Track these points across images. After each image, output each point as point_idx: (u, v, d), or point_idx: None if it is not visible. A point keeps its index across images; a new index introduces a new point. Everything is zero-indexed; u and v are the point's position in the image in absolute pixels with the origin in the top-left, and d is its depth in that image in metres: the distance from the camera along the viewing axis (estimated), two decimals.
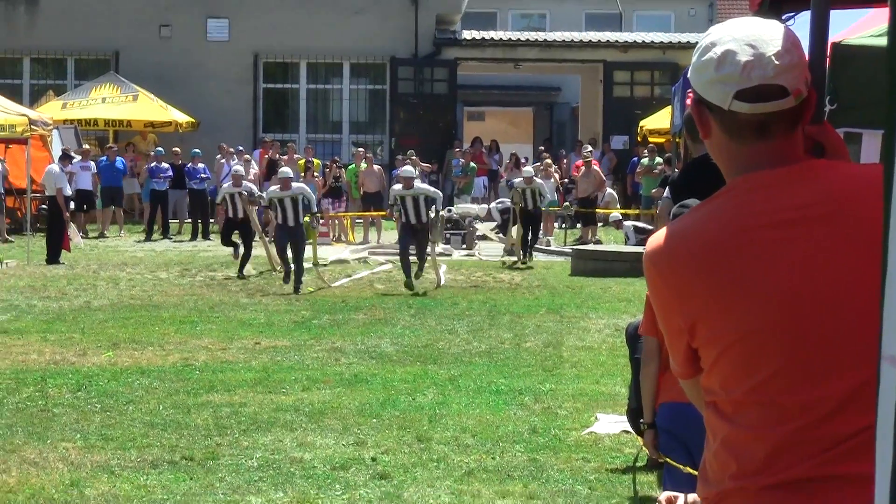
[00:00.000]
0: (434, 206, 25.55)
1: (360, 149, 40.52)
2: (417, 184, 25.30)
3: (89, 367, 15.50)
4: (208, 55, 43.65)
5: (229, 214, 27.84)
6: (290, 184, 25.27)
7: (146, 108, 40.28)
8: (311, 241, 26.15)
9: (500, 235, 34.38)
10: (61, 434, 11.90)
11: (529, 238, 30.03)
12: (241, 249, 27.29)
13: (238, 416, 12.77)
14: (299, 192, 25.24)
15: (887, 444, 2.19)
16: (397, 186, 25.31)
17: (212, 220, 35.66)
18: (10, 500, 9.62)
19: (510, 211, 35.47)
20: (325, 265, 27.86)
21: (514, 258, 29.92)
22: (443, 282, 25.51)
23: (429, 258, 25.93)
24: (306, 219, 25.41)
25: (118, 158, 36.71)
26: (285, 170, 27.62)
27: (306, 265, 25.66)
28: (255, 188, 29.31)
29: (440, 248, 33.41)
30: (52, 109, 38.10)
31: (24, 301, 21.26)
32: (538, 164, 36.92)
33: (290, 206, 24.75)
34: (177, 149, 37.48)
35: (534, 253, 30.53)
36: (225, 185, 29.28)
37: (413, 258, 25.08)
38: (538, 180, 30.93)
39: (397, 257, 26.08)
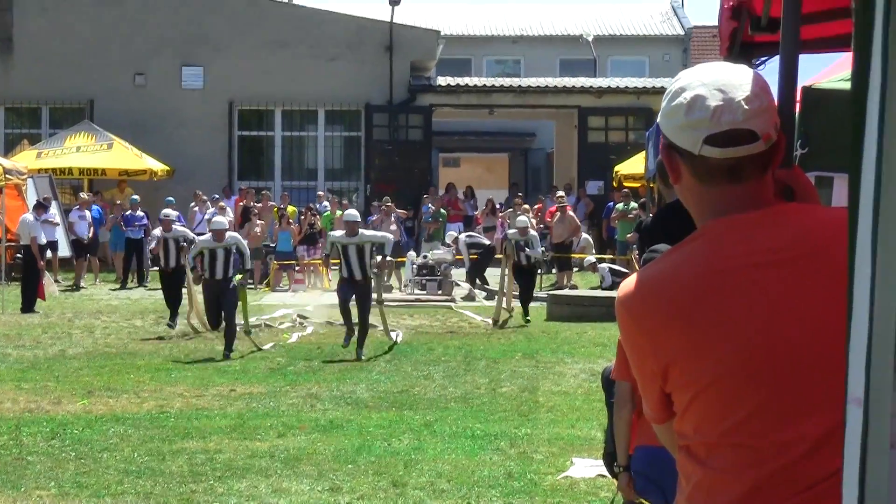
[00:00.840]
0: (382, 252, 22.30)
1: (333, 196, 40.74)
2: (363, 231, 22.72)
3: (64, 414, 15.48)
4: (183, 102, 43.69)
5: (160, 264, 25.92)
6: (225, 235, 22.67)
7: (121, 156, 40.28)
8: (242, 302, 23.13)
9: (465, 279, 34.03)
10: (35, 482, 11.88)
11: (524, 295, 27.23)
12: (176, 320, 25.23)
13: (213, 462, 12.75)
14: (233, 242, 22.71)
15: (853, 486, 2.20)
16: (338, 233, 22.53)
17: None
18: None
19: (484, 249, 35.49)
20: (256, 327, 24.86)
21: (501, 317, 26.61)
22: (399, 339, 23.23)
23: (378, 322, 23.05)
24: (237, 277, 22.71)
25: (93, 207, 36.65)
26: (220, 219, 24.86)
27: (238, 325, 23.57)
28: (188, 233, 26.83)
29: (413, 293, 33.48)
30: (26, 158, 38.05)
31: None
32: (510, 209, 37.03)
33: (222, 259, 22.26)
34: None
35: (525, 306, 27.19)
36: (154, 231, 27.18)
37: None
38: (533, 232, 28.50)
39: (332, 316, 24.71)
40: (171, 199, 37.22)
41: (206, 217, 36.50)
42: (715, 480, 3.37)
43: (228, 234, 23.02)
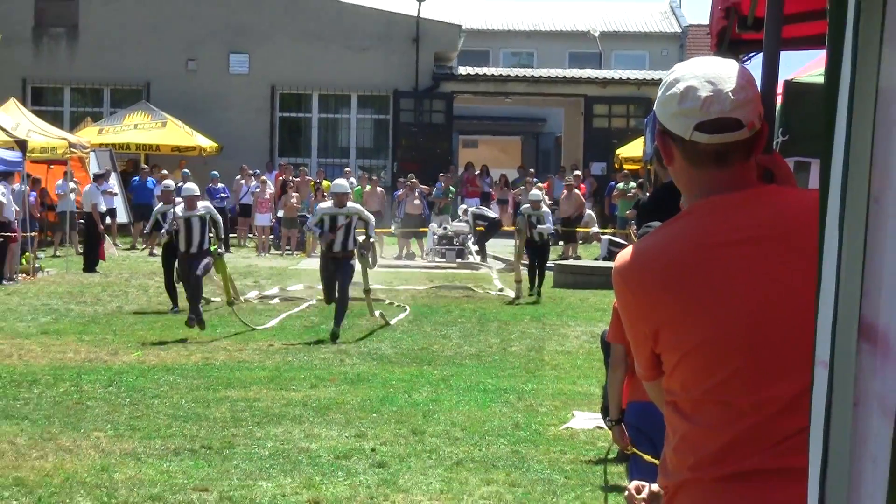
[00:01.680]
0: (367, 233, 19.60)
1: (362, 172, 40.78)
2: (351, 203, 19.31)
3: (120, 364, 15.53)
4: (230, 87, 43.62)
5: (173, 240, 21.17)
6: (196, 202, 19.66)
7: (174, 133, 40.23)
8: (220, 274, 20.41)
9: (476, 249, 33.82)
10: (94, 424, 11.92)
11: (537, 272, 24.67)
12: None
13: (252, 409, 12.80)
14: (206, 211, 19.53)
15: (818, 439, 2.20)
16: (325, 204, 19.38)
17: (233, 235, 35.60)
18: (47, 483, 9.62)
19: (489, 221, 35.22)
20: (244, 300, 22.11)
21: (515, 294, 24.42)
22: (391, 322, 20.14)
23: (361, 296, 19.93)
24: (213, 246, 19.58)
25: (149, 179, 36.61)
26: (190, 185, 21.18)
27: (214, 298, 22.15)
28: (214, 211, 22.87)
29: (433, 261, 33.28)
30: (89, 134, 38.05)
31: (63, 305, 21.28)
32: (521, 186, 36.91)
33: (198, 229, 19.25)
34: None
35: (537, 281, 24.66)
36: (158, 207, 22.37)
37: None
38: (545, 207, 25.86)
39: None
40: (215, 172, 37.44)
41: (251, 189, 36.66)
42: (699, 433, 3.37)
43: (201, 202, 20.11)
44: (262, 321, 20.02)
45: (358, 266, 19.21)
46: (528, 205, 25.26)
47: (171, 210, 20.57)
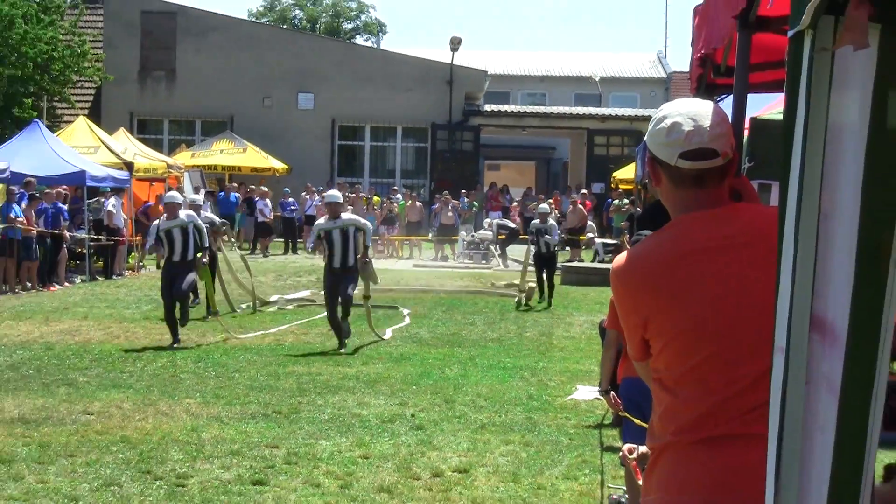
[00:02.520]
0: (365, 243, 15.57)
1: (406, 190, 40.85)
2: (345, 214, 15.93)
3: (207, 345, 15.58)
4: (298, 119, 43.68)
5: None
6: (178, 211, 15.93)
7: (252, 157, 40.27)
8: (203, 280, 16.99)
9: (497, 254, 33.31)
10: (185, 393, 12.00)
11: (546, 282, 22.16)
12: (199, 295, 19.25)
13: (314, 382, 12.82)
14: (190, 220, 15.82)
15: (776, 413, 2.20)
16: (321, 220, 15.84)
17: (300, 240, 35.65)
18: (147, 440, 9.67)
19: (510, 231, 35.13)
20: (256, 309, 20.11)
21: (523, 300, 22.00)
22: (387, 336, 16.81)
23: (361, 308, 16.60)
24: (198, 255, 15.88)
25: (232, 194, 36.71)
26: (172, 194, 17.78)
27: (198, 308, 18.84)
28: (215, 218, 20.87)
29: (463, 261, 33.41)
30: (183, 158, 38.17)
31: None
32: (534, 202, 36.80)
33: (179, 239, 15.65)
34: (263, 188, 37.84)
35: (550, 292, 22.16)
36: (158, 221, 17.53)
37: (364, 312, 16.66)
38: (552, 221, 23.61)
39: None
40: (287, 189, 37.68)
41: (315, 203, 36.72)
42: (679, 405, 3.39)
43: (183, 212, 16.18)
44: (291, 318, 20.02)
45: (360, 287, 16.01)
46: (537, 220, 22.82)
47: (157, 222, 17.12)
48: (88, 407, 11.07)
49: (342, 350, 15.10)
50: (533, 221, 23.22)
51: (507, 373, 13.83)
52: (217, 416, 10.78)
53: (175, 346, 15.26)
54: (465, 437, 10.14)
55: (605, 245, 32.94)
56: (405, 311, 19.90)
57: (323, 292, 16.06)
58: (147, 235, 17.82)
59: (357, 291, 15.72)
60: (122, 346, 15.23)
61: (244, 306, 20.37)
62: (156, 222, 16.92)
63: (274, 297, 21.84)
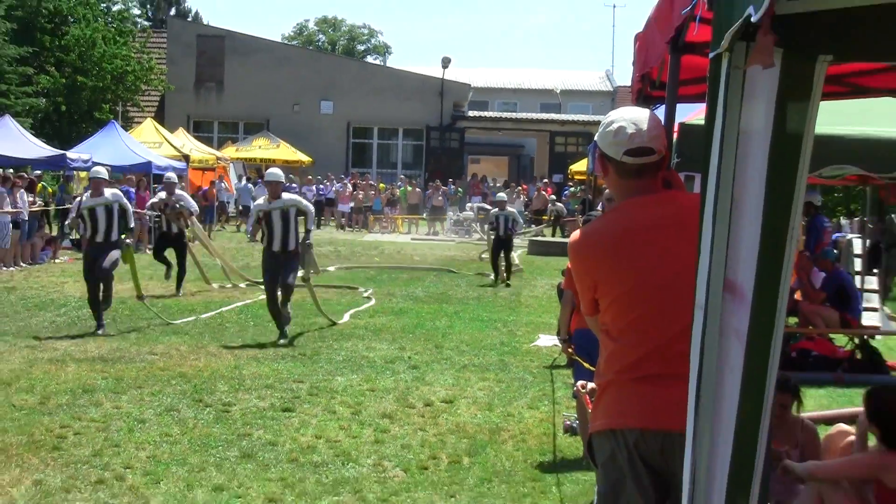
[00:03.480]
0: (307, 227, 12.16)
1: (405, 178, 40.82)
2: (286, 194, 12.28)
3: (250, 301, 15.47)
4: (321, 122, 43.56)
5: (163, 228, 16.07)
6: (103, 188, 12.31)
7: (284, 152, 40.07)
8: (128, 265, 12.75)
9: (477, 229, 32.66)
10: (230, 339, 11.95)
11: (503, 262, 19.16)
12: (175, 269, 15.94)
13: (332, 331, 12.79)
14: (115, 199, 12.28)
15: (696, 357, 2.20)
16: (260, 200, 12.28)
17: (323, 218, 35.53)
18: (199, 375, 9.66)
19: (486, 212, 34.60)
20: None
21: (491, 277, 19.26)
22: (344, 319, 13.62)
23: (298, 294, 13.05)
24: (122, 236, 12.52)
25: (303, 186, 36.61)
26: (97, 169, 12.94)
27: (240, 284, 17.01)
28: (190, 200, 16.34)
29: (451, 236, 33.05)
30: (229, 152, 38.09)
31: (212, 262, 20.64)
32: (508, 189, 36.73)
33: (103, 217, 12.09)
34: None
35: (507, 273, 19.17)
36: (158, 195, 16.38)
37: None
38: (510, 208, 19.85)
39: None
40: (310, 177, 37.75)
41: (335, 188, 36.56)
42: (621, 350, 3.41)
43: (109, 190, 12.42)
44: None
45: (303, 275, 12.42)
46: (496, 208, 19.59)
47: (167, 202, 15.21)
48: (153, 349, 11.03)
49: (282, 341, 11.49)
50: (493, 210, 19.98)
51: (484, 324, 13.79)
52: (254, 357, 10.75)
53: (99, 332, 11.68)
54: (451, 375, 10.14)
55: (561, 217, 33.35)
56: (368, 293, 16.66)
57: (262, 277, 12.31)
58: (73, 210, 13.45)
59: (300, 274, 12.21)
60: (181, 304, 15.16)
61: (243, 285, 17.32)
62: (78, 198, 13.26)
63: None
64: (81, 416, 8.02)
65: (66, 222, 12.30)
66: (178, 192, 16.00)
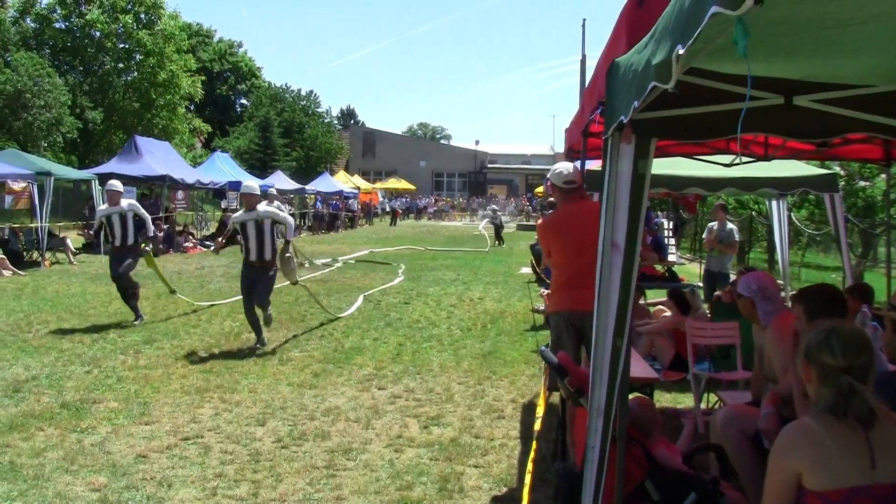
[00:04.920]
0: (285, 237, 5.58)
1: (458, 195, 39.78)
2: (262, 207, 5.47)
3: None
4: (419, 170, 42.40)
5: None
6: (119, 198, 6.32)
7: (403, 184, 37.39)
8: (152, 268, 6.74)
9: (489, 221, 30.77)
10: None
11: (497, 239, 17.77)
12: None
13: (423, 258, 12.09)
14: (130, 208, 6.30)
15: (597, 276, 2.18)
16: (238, 213, 5.53)
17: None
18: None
19: (495, 219, 32.98)
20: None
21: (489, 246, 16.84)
22: (349, 313, 7.14)
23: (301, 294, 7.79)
24: (143, 244, 6.39)
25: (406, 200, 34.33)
26: (113, 182, 6.50)
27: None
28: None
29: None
30: (378, 185, 35.82)
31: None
32: (506, 201, 35.74)
33: (118, 224, 6.29)
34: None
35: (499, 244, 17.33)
36: (101, 208, 6.55)
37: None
38: (499, 214, 19.35)
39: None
40: (418, 196, 36.51)
41: (425, 201, 35.43)
42: (560, 274, 3.32)
43: (125, 200, 6.46)
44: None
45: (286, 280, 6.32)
46: (490, 213, 19.48)
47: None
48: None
49: (259, 347, 5.57)
50: (488, 213, 20.85)
51: (494, 263, 13.13)
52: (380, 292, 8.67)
53: (137, 323, 6.36)
54: (481, 286, 9.72)
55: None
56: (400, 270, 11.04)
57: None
58: (95, 219, 6.87)
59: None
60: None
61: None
62: (100, 207, 6.89)
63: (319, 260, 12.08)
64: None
65: (90, 231, 7.03)
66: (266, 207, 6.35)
